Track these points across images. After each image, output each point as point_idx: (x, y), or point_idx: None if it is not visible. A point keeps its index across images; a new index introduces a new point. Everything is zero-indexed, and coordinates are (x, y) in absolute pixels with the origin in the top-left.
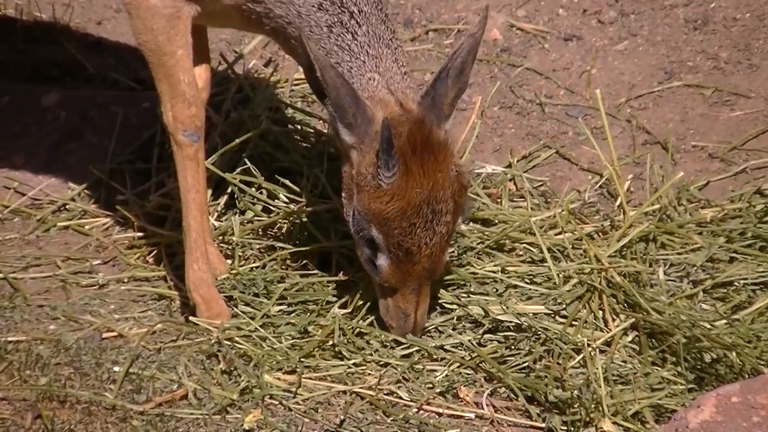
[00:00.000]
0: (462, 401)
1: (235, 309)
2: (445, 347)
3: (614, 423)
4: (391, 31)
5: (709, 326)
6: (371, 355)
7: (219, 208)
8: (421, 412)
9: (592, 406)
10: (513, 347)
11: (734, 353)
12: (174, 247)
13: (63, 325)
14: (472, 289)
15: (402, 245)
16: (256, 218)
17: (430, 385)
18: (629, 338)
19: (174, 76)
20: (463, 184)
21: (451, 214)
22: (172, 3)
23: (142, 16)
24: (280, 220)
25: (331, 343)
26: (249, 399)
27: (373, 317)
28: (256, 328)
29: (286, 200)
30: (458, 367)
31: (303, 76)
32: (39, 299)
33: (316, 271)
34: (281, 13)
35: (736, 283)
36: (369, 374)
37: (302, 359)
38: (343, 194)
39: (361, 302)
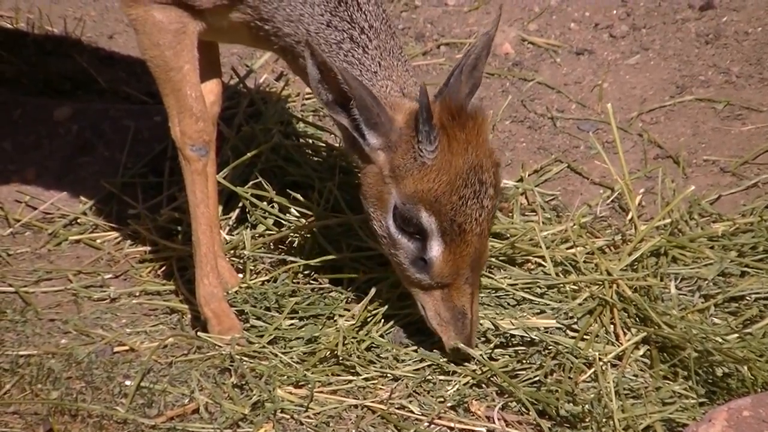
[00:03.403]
0: (473, 415)
1: (246, 323)
2: (456, 361)
3: None
4: (398, 46)
5: (720, 340)
6: (383, 368)
7: (230, 222)
8: (433, 426)
9: (604, 420)
10: (524, 361)
11: (746, 367)
12: (185, 260)
13: (74, 339)
14: (483, 303)
15: (455, 221)
16: (267, 232)
17: (442, 399)
18: (641, 352)
19: (181, 91)
20: (497, 162)
21: (493, 188)
22: (177, 19)
23: (149, 32)
24: (292, 234)
25: (336, 354)
26: (260, 413)
27: (384, 329)
28: (267, 342)
29: (298, 214)
30: (470, 381)
31: None
32: (50, 313)
33: (327, 285)
34: (290, 31)
35: (747, 298)
36: (381, 388)
37: (314, 373)
38: (371, 205)
39: (372, 315)
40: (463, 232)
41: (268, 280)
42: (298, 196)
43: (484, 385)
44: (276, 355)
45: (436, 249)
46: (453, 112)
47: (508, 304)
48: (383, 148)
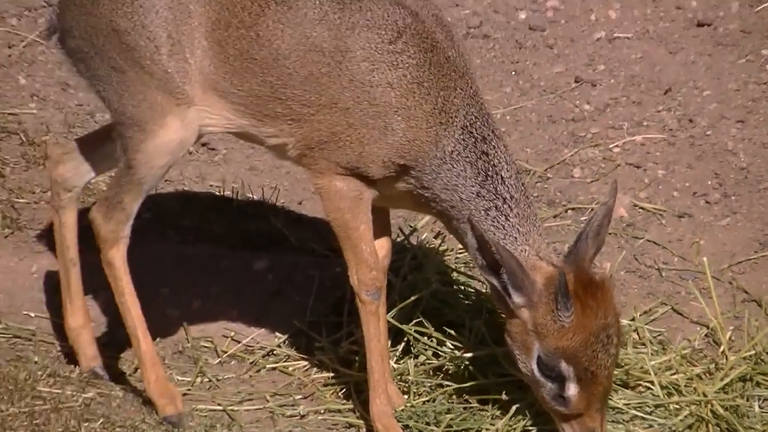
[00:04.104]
0: None
1: None
2: None
3: None
4: (534, 213)
5: None
6: None
7: (397, 353)
8: None
9: None
10: None
11: None
12: (361, 384)
13: None
14: None
15: (588, 370)
16: (427, 361)
17: None
18: None
19: (358, 247)
20: (618, 312)
21: (617, 338)
22: (355, 187)
23: (332, 198)
24: (447, 363)
25: None
26: None
27: None
28: None
29: (452, 347)
30: None
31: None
32: (251, 428)
33: (476, 404)
34: (446, 198)
35: None
36: None
37: None
38: (516, 348)
39: (512, 429)
40: (595, 376)
41: (428, 401)
42: (453, 332)
43: None
44: None
45: (572, 389)
46: (585, 283)
47: (623, 420)
48: (526, 306)
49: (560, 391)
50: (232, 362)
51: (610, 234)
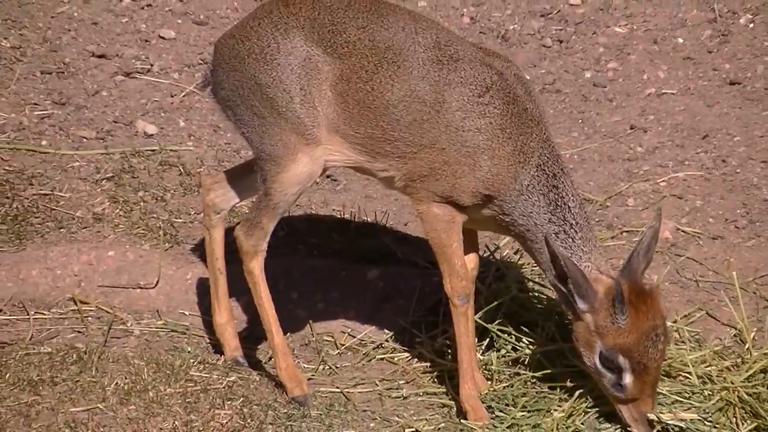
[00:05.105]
0: None
1: (492, 414)
2: None
3: None
4: (595, 236)
5: None
6: None
7: (483, 347)
8: None
9: None
10: None
11: None
12: (453, 372)
13: (379, 424)
14: None
15: (641, 362)
16: (507, 354)
17: None
18: None
19: (451, 260)
20: (664, 315)
21: (664, 336)
22: (449, 212)
23: (430, 221)
24: (524, 355)
25: None
26: None
27: (584, 419)
28: (506, 428)
29: (527, 342)
30: None
31: None
32: (363, 406)
33: (546, 389)
34: (523, 222)
35: None
36: None
37: None
38: (582, 347)
39: (576, 409)
40: (646, 368)
41: (507, 386)
42: (528, 330)
43: None
44: None
45: (628, 378)
46: (637, 292)
47: (666, 402)
48: (589, 311)
49: (618, 381)
50: (349, 353)
51: (657, 252)
